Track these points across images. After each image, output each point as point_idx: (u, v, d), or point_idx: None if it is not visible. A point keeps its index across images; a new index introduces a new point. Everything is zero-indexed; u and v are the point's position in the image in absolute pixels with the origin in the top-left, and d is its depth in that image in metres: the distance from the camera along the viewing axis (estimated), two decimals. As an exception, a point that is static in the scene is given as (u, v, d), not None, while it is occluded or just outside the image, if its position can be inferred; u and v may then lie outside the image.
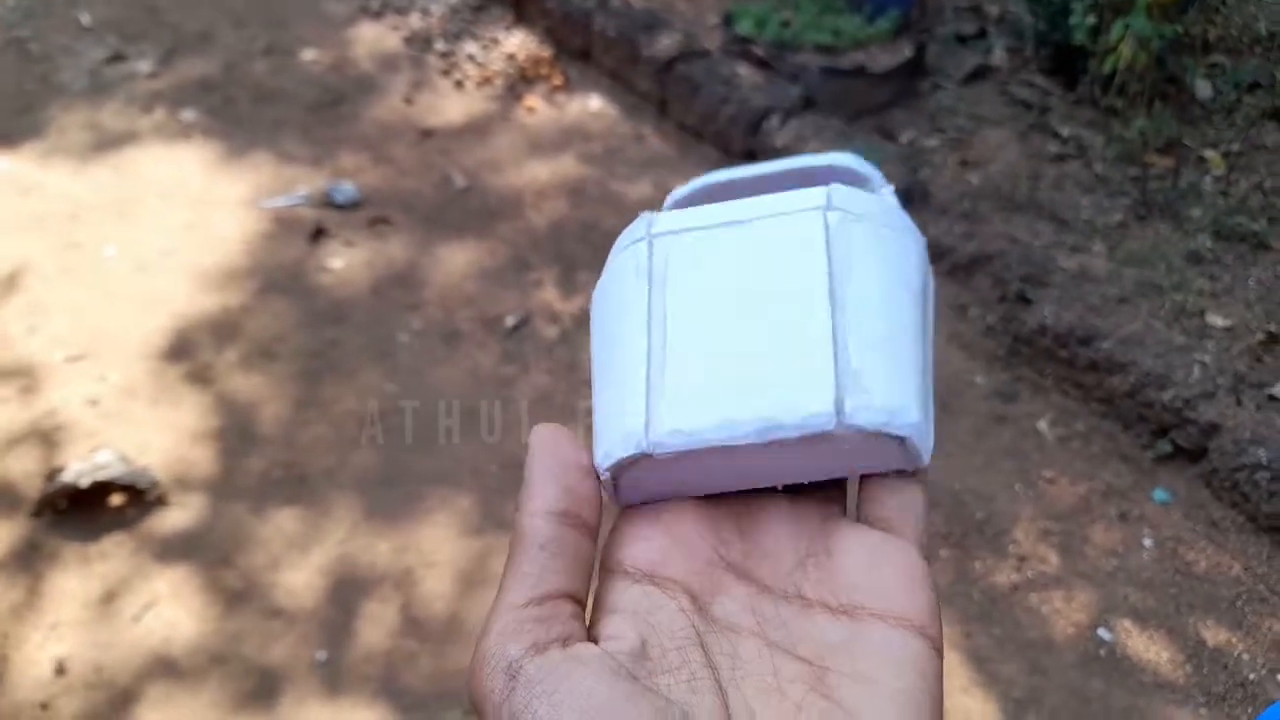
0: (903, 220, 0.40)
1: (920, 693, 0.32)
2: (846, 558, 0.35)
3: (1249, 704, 1.77)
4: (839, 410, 0.34)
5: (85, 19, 3.19)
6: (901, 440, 0.35)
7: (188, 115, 2.88)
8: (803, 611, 0.34)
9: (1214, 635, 1.86)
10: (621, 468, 0.35)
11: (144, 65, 3.04)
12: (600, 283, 0.41)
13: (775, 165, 0.46)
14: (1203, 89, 2.81)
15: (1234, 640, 1.85)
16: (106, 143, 2.77)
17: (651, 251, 0.39)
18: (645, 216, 0.40)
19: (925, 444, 0.36)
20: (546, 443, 0.35)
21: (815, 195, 0.38)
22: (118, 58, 3.06)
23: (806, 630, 0.33)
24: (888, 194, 0.43)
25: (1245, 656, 1.83)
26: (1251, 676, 1.80)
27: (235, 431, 2.08)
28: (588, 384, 0.38)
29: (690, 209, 0.40)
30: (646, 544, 0.35)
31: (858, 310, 0.36)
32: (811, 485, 0.38)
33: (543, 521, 0.33)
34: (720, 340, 0.36)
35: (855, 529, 0.36)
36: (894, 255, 0.38)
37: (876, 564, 0.34)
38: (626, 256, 0.39)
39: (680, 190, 0.47)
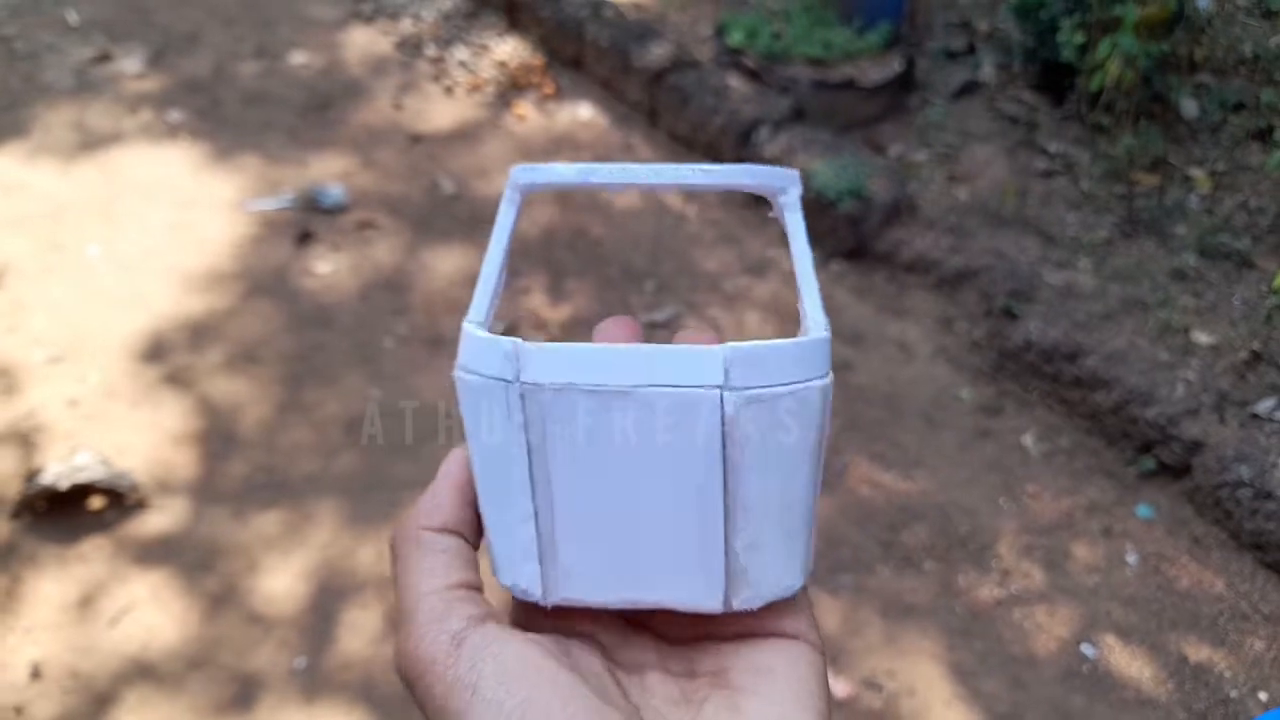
0: (806, 365, 0.37)
1: (811, 679, 0.36)
2: None
3: (1229, 721, 1.77)
4: (727, 605, 0.36)
5: (72, 18, 3.17)
6: None
7: (174, 116, 2.86)
8: (699, 645, 0.38)
9: (1196, 652, 1.86)
10: None
11: (131, 65, 3.02)
12: (462, 395, 0.38)
13: (655, 174, 0.39)
14: (1189, 108, 2.83)
15: (1216, 657, 1.86)
16: (92, 142, 2.75)
17: (525, 407, 0.36)
18: (505, 348, 0.36)
19: (806, 571, 0.39)
20: (459, 468, 0.39)
21: (712, 365, 0.35)
22: (104, 57, 3.04)
23: (705, 657, 0.38)
24: (793, 199, 0.40)
25: (1227, 674, 1.83)
26: (1233, 694, 1.81)
27: (217, 435, 2.06)
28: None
29: (564, 347, 0.35)
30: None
31: (748, 512, 0.36)
32: None
33: (434, 536, 0.37)
34: (611, 531, 0.36)
35: None
36: (790, 444, 0.37)
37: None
38: (493, 397, 0.36)
39: (530, 176, 0.40)
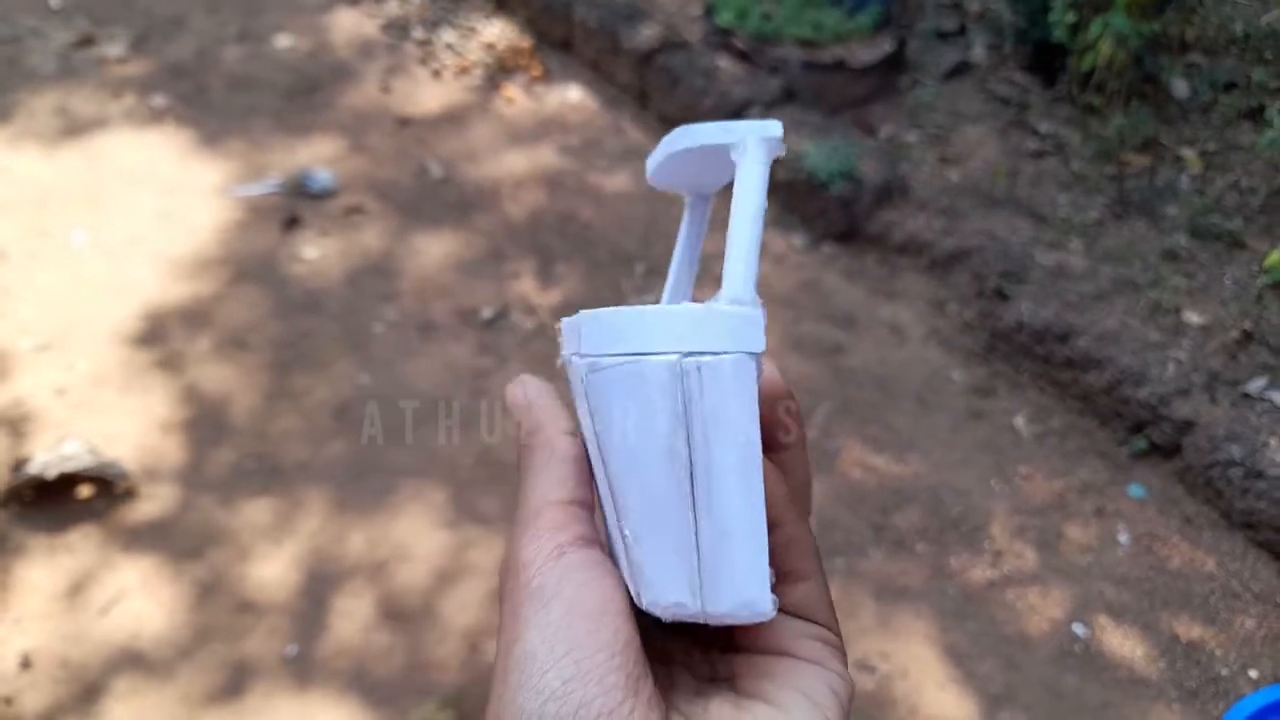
0: (648, 335, 0.31)
1: (822, 695, 0.35)
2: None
3: (1221, 700, 1.78)
4: (635, 595, 0.34)
5: (54, 1, 3.13)
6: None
7: (159, 101, 2.83)
8: (723, 652, 0.38)
9: (1187, 631, 1.87)
10: None
11: (114, 49, 2.99)
12: None
13: (697, 137, 0.36)
14: (1180, 88, 2.82)
15: (1207, 636, 1.86)
16: (76, 128, 2.72)
17: (571, 373, 0.37)
18: (566, 323, 0.37)
19: (737, 602, 0.32)
20: (548, 388, 0.40)
21: (573, 328, 0.34)
22: (88, 41, 3.00)
23: (721, 662, 0.38)
24: (743, 148, 0.35)
25: (1218, 652, 1.84)
26: (1224, 672, 1.81)
27: (206, 422, 2.04)
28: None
29: (582, 314, 0.35)
30: None
31: (619, 496, 0.33)
32: None
33: (570, 440, 0.37)
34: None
35: None
36: (634, 427, 0.31)
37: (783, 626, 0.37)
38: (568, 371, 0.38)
39: (653, 159, 0.40)
